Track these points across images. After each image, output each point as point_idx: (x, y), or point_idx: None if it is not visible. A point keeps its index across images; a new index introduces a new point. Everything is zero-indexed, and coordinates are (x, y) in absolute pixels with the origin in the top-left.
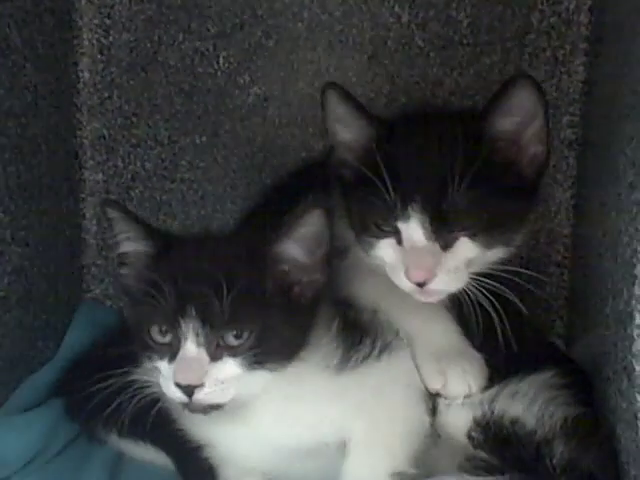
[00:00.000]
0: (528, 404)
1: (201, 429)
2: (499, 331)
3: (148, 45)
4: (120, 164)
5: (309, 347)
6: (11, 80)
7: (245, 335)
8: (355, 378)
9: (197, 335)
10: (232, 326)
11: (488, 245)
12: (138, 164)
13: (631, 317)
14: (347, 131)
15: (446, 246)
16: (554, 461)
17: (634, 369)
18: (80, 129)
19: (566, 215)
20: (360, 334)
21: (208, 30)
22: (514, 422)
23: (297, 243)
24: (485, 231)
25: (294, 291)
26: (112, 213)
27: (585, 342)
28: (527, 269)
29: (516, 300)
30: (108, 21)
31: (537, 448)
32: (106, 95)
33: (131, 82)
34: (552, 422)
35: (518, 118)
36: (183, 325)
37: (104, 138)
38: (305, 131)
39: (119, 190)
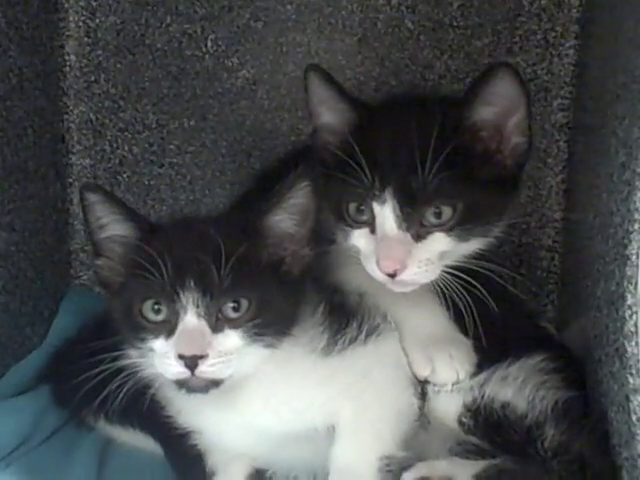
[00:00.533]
0: (518, 388)
1: (190, 415)
2: (468, 321)
3: (135, 28)
4: (107, 148)
5: (297, 328)
6: None
7: (244, 306)
8: (342, 362)
9: (197, 306)
10: (231, 296)
11: (463, 238)
12: (126, 148)
13: (623, 298)
14: (328, 114)
15: (418, 237)
16: (545, 444)
17: (626, 350)
18: (67, 113)
19: (557, 199)
20: (347, 317)
21: (196, 12)
22: (505, 406)
23: (287, 214)
24: (460, 224)
25: (285, 264)
26: (93, 197)
27: (576, 326)
28: (517, 254)
29: (507, 285)
30: (94, 3)
31: (528, 432)
32: (93, 78)
33: (118, 65)
34: (543, 406)
35: (498, 108)
36: (183, 297)
37: (91, 122)
38: (294, 115)
39: (106, 175)
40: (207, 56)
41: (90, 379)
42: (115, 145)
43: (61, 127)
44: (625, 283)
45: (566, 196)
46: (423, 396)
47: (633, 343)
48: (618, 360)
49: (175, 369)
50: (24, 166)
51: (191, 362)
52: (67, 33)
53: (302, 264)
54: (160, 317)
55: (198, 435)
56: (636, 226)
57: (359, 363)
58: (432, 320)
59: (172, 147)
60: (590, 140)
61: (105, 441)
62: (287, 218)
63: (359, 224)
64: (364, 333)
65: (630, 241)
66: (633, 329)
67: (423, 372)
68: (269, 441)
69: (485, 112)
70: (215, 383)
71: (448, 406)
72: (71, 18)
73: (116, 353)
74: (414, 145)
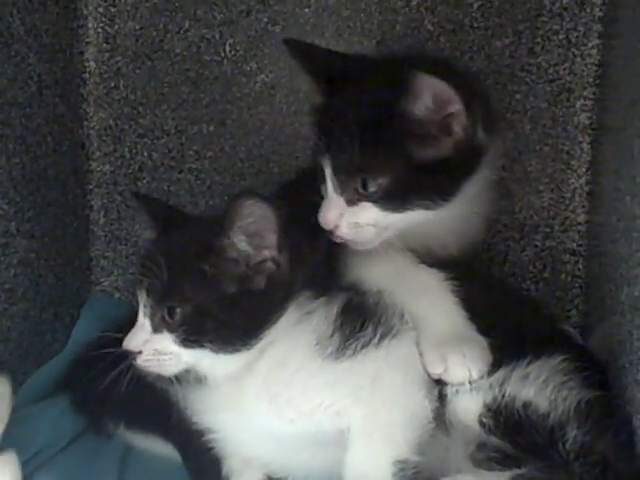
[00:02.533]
0: (540, 387)
1: (204, 416)
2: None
3: (154, 33)
4: (127, 154)
5: (300, 329)
6: (14, 70)
7: (178, 313)
8: (352, 366)
9: (145, 306)
10: (167, 302)
11: (394, 210)
12: (145, 154)
13: None
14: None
15: (350, 202)
16: (567, 446)
17: None
18: (86, 119)
19: (580, 202)
20: (363, 319)
21: (214, 17)
22: (526, 406)
23: (240, 235)
24: (386, 197)
25: (243, 277)
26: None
27: (601, 331)
28: (541, 258)
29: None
30: (113, 9)
31: (550, 432)
32: (112, 85)
33: (137, 71)
34: (565, 406)
35: (431, 103)
36: (139, 296)
37: (111, 128)
38: None
39: (126, 181)
40: (225, 61)
41: (109, 385)
42: (135, 151)
43: (81, 134)
44: None
45: (590, 199)
46: (441, 399)
47: None
48: None
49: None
50: (44, 173)
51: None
52: (86, 40)
53: (265, 276)
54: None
55: (215, 439)
56: None
57: (370, 367)
58: (448, 318)
59: (191, 153)
60: (614, 142)
61: (125, 448)
62: (241, 240)
63: (322, 181)
64: (378, 336)
65: None
66: None
67: (436, 370)
68: (280, 444)
69: (420, 105)
70: (166, 378)
71: (468, 406)
72: (90, 25)
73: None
74: (351, 115)
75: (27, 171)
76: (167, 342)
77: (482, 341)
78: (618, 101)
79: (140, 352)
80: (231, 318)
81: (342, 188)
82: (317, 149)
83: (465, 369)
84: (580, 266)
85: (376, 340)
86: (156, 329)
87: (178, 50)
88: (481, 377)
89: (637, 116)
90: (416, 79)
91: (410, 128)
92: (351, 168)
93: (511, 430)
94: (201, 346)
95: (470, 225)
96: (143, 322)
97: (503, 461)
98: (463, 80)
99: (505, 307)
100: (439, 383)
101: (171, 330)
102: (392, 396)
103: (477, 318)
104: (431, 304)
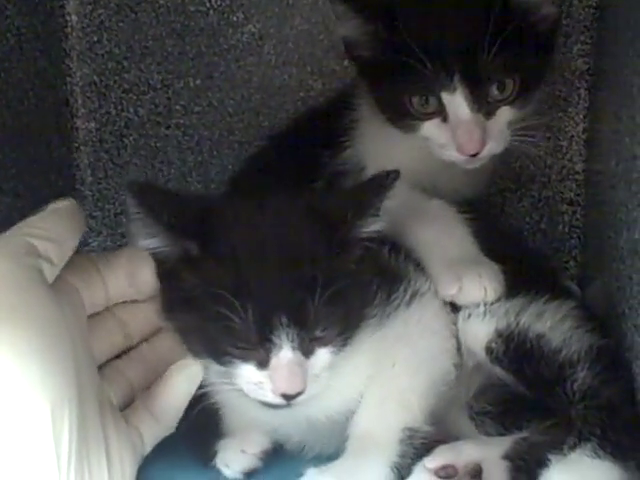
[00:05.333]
0: (556, 324)
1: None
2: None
3: None
4: (113, 111)
5: None
6: None
7: (333, 328)
8: (387, 332)
9: (292, 340)
10: (322, 325)
11: (523, 106)
12: (131, 110)
13: None
14: (345, 29)
15: (488, 114)
16: (575, 386)
17: None
18: (69, 75)
19: (578, 150)
20: (395, 280)
21: None
22: (539, 337)
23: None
24: (520, 94)
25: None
26: None
27: (599, 282)
28: (537, 209)
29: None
30: None
31: (560, 368)
32: (95, 39)
33: (120, 24)
34: (578, 346)
35: None
36: (274, 337)
37: (95, 84)
38: (303, 70)
39: (112, 138)
40: (211, 11)
41: None
42: (120, 107)
43: (64, 90)
44: None
45: (588, 146)
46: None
47: None
48: None
49: (272, 400)
50: (26, 130)
51: (292, 396)
52: None
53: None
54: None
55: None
56: None
57: (400, 329)
58: (461, 244)
59: (178, 107)
60: (612, 85)
61: None
62: (377, 222)
63: (427, 115)
64: (409, 294)
65: None
66: None
67: (450, 290)
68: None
69: None
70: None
71: (479, 329)
72: None
73: None
74: (471, 28)
75: (8, 127)
76: (323, 358)
77: (495, 266)
78: (616, 43)
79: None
80: (362, 300)
81: (479, 103)
82: (419, 82)
83: (481, 288)
84: (578, 216)
85: (407, 299)
86: (307, 352)
87: (162, 1)
88: (497, 299)
89: (635, 54)
90: None
91: (521, 18)
92: (488, 76)
93: (520, 359)
94: (351, 341)
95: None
96: (293, 357)
97: (498, 417)
98: None
99: (518, 250)
100: (453, 309)
101: (325, 343)
102: (417, 361)
103: (490, 251)
104: (443, 231)
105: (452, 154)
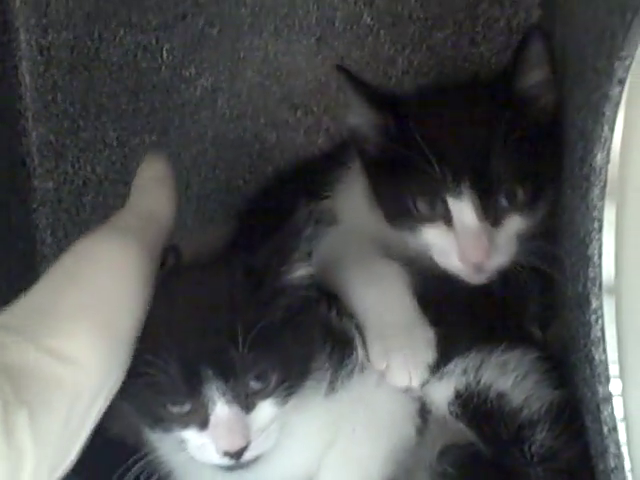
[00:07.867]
0: (518, 380)
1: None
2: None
3: (89, 43)
4: (70, 170)
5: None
6: None
7: (270, 375)
8: (343, 394)
9: (224, 394)
10: (254, 370)
11: (533, 214)
12: (88, 169)
13: (588, 301)
14: (353, 116)
15: (496, 223)
16: (533, 448)
17: (594, 358)
18: (25, 135)
19: None
20: (345, 346)
21: (149, 22)
22: (501, 397)
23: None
24: (532, 201)
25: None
26: None
27: (555, 327)
28: None
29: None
30: (45, 20)
31: (519, 428)
32: (50, 98)
33: (74, 83)
34: (539, 405)
35: (538, 70)
36: (205, 391)
37: (51, 144)
38: (257, 122)
39: (71, 197)
40: (163, 67)
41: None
42: (77, 166)
43: (21, 150)
44: (589, 285)
45: None
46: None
47: (600, 349)
48: (589, 367)
49: (219, 461)
50: None
51: (237, 454)
52: (19, 53)
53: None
54: (185, 409)
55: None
56: (595, 225)
57: (359, 392)
58: (399, 309)
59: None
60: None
61: None
62: (305, 267)
63: (430, 218)
64: (361, 360)
65: (591, 240)
66: (599, 334)
67: (379, 366)
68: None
69: (530, 78)
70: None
71: (437, 392)
72: (22, 37)
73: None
74: (480, 133)
75: None
76: (267, 411)
77: (429, 337)
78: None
79: (247, 444)
80: (304, 349)
81: (487, 211)
82: (425, 183)
83: (406, 373)
84: None
85: (360, 364)
86: (247, 407)
87: (115, 59)
88: (422, 384)
89: (572, 106)
90: (537, 34)
91: (526, 114)
92: (499, 182)
93: (480, 419)
94: (295, 392)
95: None
96: (229, 412)
97: None
98: None
99: (474, 301)
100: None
101: (266, 395)
102: (378, 427)
103: (438, 309)
104: (382, 293)
105: (454, 263)
